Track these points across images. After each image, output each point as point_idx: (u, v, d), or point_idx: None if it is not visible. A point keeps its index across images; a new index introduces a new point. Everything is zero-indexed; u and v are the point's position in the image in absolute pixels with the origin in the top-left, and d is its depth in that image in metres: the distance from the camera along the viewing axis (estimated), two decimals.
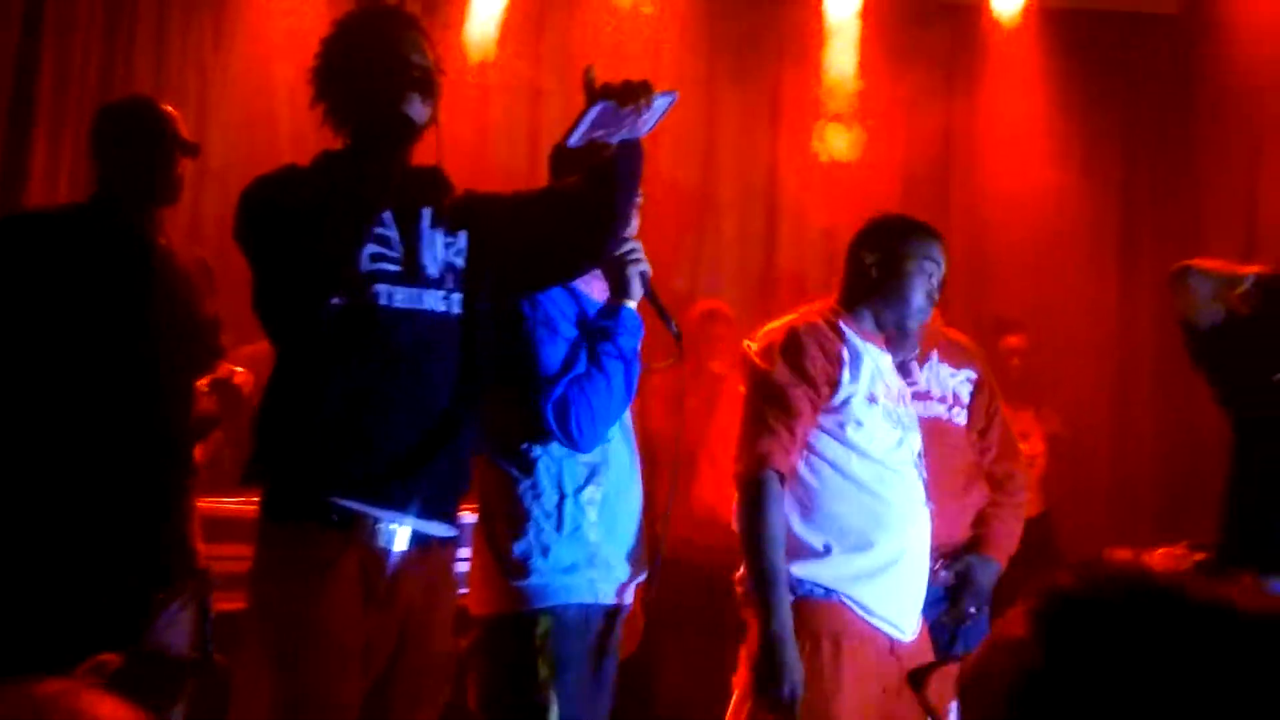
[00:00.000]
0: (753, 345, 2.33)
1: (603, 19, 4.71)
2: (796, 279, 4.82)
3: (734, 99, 4.93)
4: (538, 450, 2.08)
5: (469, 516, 2.21)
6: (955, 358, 2.74)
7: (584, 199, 1.95)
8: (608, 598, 2.12)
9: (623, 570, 2.14)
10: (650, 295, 2.14)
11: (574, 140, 1.87)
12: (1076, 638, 0.72)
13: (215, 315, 2.63)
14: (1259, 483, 2.86)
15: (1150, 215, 4.96)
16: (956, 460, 2.66)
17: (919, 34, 4.92)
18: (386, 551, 1.87)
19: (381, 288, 1.88)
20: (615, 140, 1.91)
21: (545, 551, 2.06)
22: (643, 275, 2.12)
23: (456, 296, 1.96)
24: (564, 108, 4.70)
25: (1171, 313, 3.03)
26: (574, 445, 2.07)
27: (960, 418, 2.70)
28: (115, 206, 2.47)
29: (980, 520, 2.65)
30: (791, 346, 2.23)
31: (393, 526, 1.87)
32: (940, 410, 2.68)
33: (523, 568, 2.05)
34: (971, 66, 4.89)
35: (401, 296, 1.89)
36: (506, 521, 2.08)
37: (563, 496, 2.07)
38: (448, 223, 1.98)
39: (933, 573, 2.42)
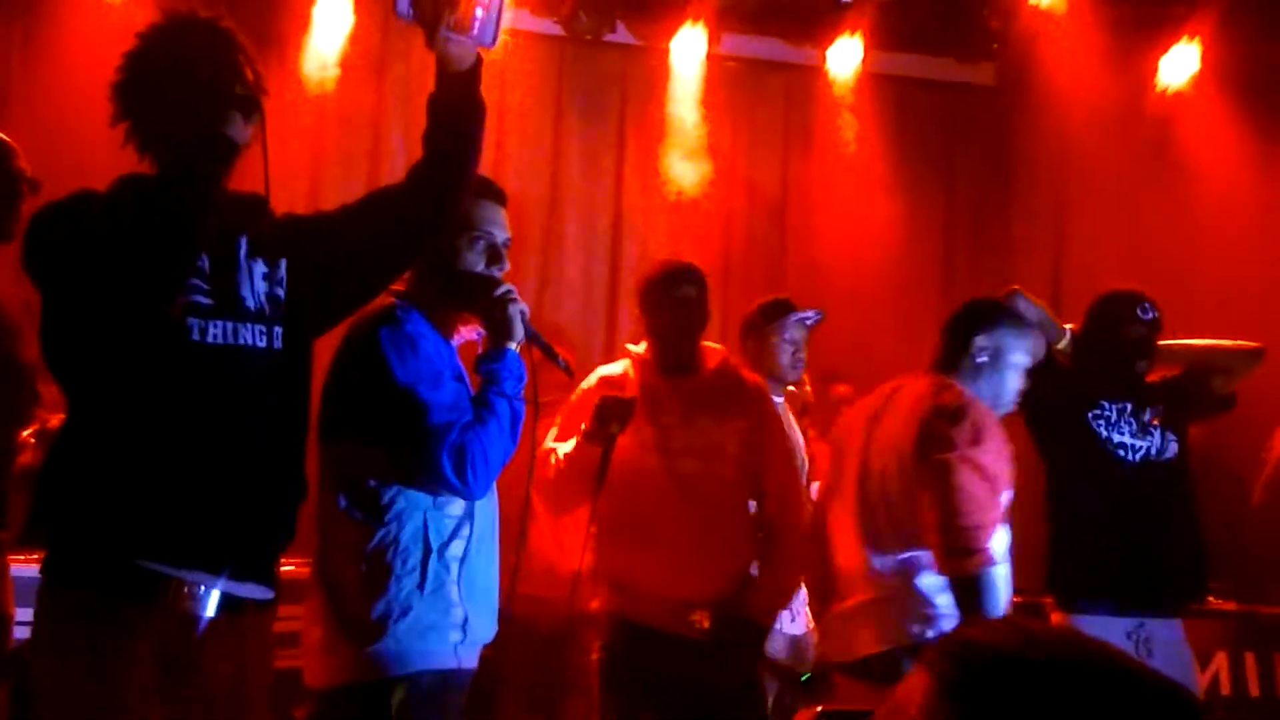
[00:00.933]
0: (936, 414, 2.30)
1: None
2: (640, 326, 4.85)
3: (580, 142, 4.97)
4: (400, 502, 1.96)
5: (292, 572, 2.06)
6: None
7: (420, 167, 1.88)
8: (467, 661, 2.02)
9: (481, 630, 2.05)
10: (531, 334, 2.09)
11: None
12: (997, 694, 0.74)
13: (37, 360, 2.43)
14: (1061, 523, 3.05)
15: (968, 268, 5.24)
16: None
17: (758, 89, 5.09)
18: (193, 620, 1.69)
19: (193, 321, 1.71)
20: (454, 40, 1.81)
21: (405, 612, 1.93)
22: (523, 315, 2.06)
23: (278, 330, 1.81)
24: (406, 140, 4.64)
25: None
26: (468, 493, 1.97)
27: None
28: None
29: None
30: (991, 428, 2.28)
31: (200, 590, 1.70)
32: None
33: (378, 631, 1.92)
34: (807, 122, 5.08)
35: (215, 331, 1.73)
36: (358, 580, 1.94)
37: (428, 552, 1.95)
38: (267, 251, 1.83)
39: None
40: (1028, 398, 3.13)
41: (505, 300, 2.04)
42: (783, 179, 5.11)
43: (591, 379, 2.87)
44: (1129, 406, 3.03)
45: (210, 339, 1.73)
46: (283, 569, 1.93)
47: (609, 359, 4.77)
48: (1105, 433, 2.99)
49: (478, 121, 1.88)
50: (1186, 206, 5.03)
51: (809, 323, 3.35)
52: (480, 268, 2.09)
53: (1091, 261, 4.89)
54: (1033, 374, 3.08)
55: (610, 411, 2.59)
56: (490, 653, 2.14)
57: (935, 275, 5.24)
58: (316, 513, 2.02)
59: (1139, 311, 3.05)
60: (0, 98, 4.23)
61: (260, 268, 1.82)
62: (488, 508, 2.09)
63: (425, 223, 1.91)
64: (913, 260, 5.14)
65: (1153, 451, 3.00)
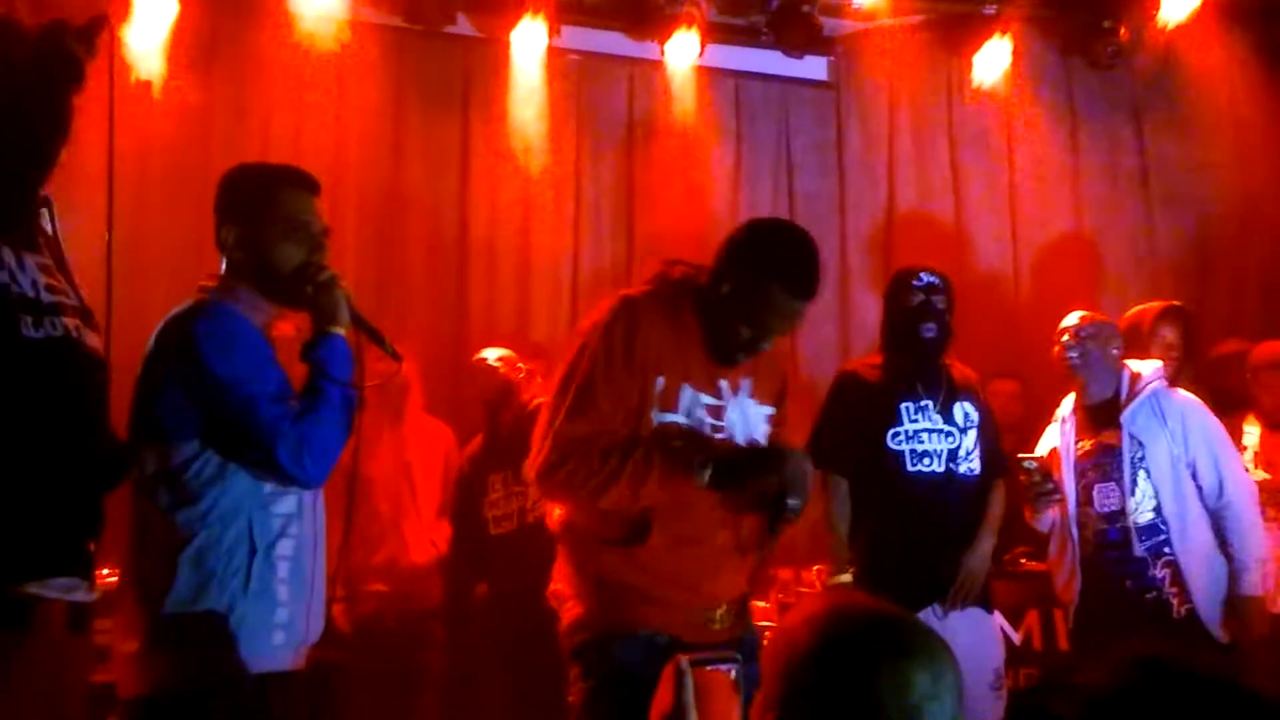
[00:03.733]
0: None
1: (279, 46, 4.55)
2: (488, 320, 4.84)
3: (422, 135, 4.91)
4: (225, 503, 1.93)
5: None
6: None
7: None
8: (292, 663, 2.00)
9: (307, 630, 2.03)
10: (357, 319, 2.08)
11: None
12: None
13: None
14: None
15: None
16: None
17: (600, 81, 5.14)
18: (62, 638, 1.65)
19: (70, 321, 1.71)
20: None
21: (228, 615, 1.89)
22: (347, 299, 2.06)
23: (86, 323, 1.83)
24: (236, 128, 4.49)
25: None
26: (306, 482, 1.97)
27: None
28: None
29: None
30: None
31: (64, 600, 1.64)
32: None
33: (198, 635, 1.88)
34: (650, 115, 5.16)
35: (87, 333, 1.75)
36: (178, 583, 1.90)
37: (254, 552, 1.93)
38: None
39: None
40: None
41: (329, 285, 2.04)
42: (628, 171, 5.17)
43: None
44: (930, 403, 3.16)
45: (86, 339, 1.74)
46: (104, 579, 1.87)
47: (456, 355, 4.77)
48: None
49: None
50: (1005, 193, 5.36)
51: None
52: (298, 258, 2.07)
53: (919, 249, 5.15)
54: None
55: None
56: (332, 653, 2.12)
57: None
58: (130, 517, 1.97)
59: (914, 282, 3.21)
60: None
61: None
62: (316, 504, 2.07)
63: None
64: None
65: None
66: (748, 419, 2.35)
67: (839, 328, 5.24)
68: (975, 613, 3.13)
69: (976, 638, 3.05)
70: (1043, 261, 5.29)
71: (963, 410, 3.21)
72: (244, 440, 1.92)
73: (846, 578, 3.10)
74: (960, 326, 3.34)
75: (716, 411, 2.30)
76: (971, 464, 3.19)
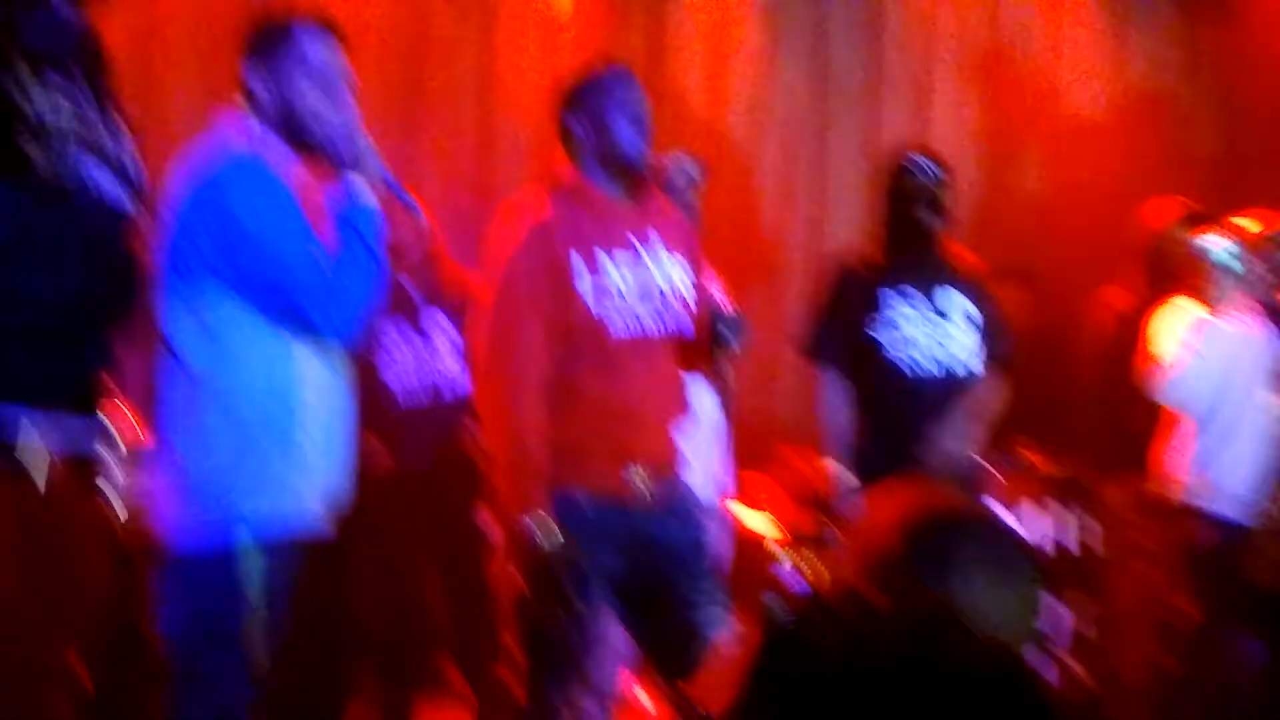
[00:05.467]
0: None
1: None
2: (512, 175, 4.80)
3: (448, 13, 4.79)
4: (255, 359, 1.94)
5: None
6: None
7: None
8: (321, 528, 2.04)
9: (335, 497, 2.07)
10: (380, 170, 2.06)
11: None
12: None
13: None
14: None
15: (844, 134, 5.26)
16: None
17: None
18: (44, 468, 1.69)
19: (76, 151, 1.74)
20: None
21: (262, 476, 1.93)
22: (371, 150, 2.03)
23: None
24: None
25: None
26: (338, 336, 1.98)
27: None
28: None
29: None
30: None
31: (39, 442, 1.68)
32: None
33: (232, 494, 1.91)
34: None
35: (103, 173, 1.78)
36: (211, 441, 1.93)
37: (285, 412, 1.95)
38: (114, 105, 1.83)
39: None
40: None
41: (353, 135, 2.02)
42: (661, 40, 5.03)
43: None
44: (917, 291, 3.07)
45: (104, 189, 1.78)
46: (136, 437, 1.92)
47: (478, 213, 4.71)
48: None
49: None
50: (1042, 84, 5.20)
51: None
52: (324, 106, 2.05)
53: (953, 133, 5.05)
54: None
55: None
56: (356, 520, 2.15)
57: (811, 139, 5.26)
58: (160, 374, 2.00)
59: (910, 167, 3.11)
60: None
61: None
62: (343, 370, 2.08)
63: None
64: (788, 126, 5.18)
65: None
66: (663, 265, 2.47)
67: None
68: None
69: None
70: (1063, 153, 5.15)
71: (958, 302, 3.11)
72: (273, 293, 1.92)
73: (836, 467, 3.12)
74: (979, 216, 3.27)
75: (633, 260, 2.44)
76: (973, 364, 3.12)
